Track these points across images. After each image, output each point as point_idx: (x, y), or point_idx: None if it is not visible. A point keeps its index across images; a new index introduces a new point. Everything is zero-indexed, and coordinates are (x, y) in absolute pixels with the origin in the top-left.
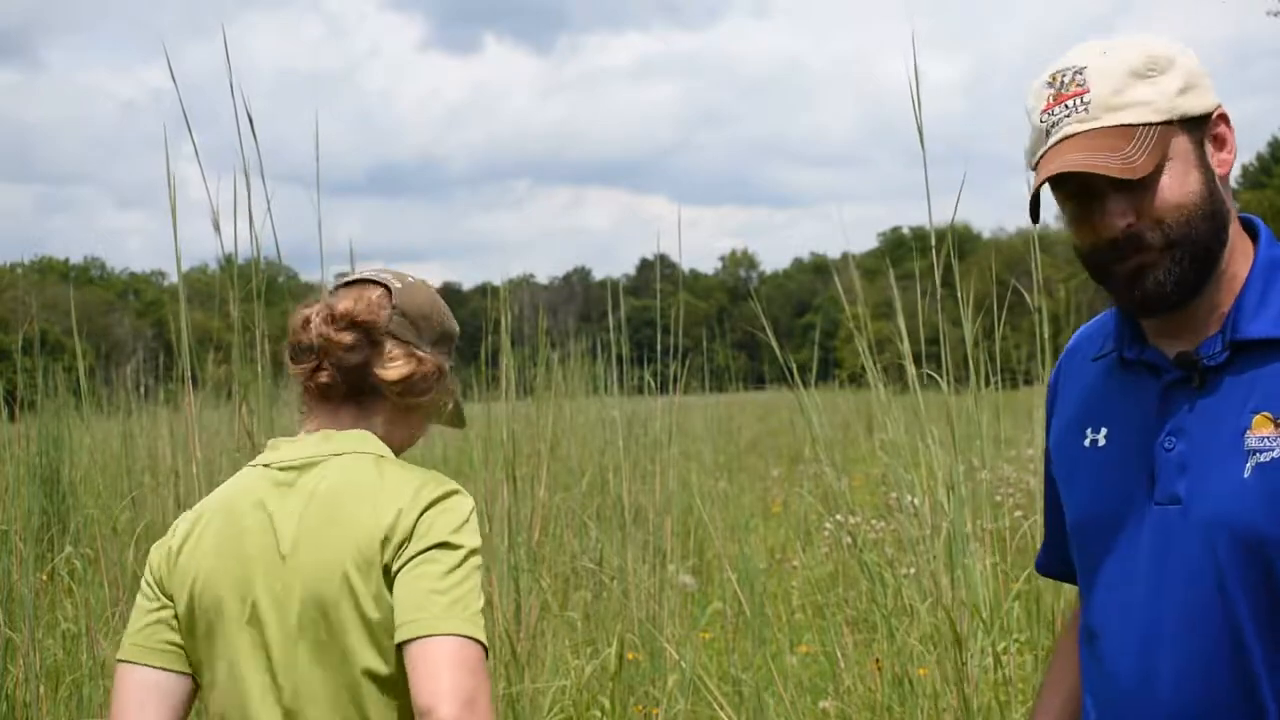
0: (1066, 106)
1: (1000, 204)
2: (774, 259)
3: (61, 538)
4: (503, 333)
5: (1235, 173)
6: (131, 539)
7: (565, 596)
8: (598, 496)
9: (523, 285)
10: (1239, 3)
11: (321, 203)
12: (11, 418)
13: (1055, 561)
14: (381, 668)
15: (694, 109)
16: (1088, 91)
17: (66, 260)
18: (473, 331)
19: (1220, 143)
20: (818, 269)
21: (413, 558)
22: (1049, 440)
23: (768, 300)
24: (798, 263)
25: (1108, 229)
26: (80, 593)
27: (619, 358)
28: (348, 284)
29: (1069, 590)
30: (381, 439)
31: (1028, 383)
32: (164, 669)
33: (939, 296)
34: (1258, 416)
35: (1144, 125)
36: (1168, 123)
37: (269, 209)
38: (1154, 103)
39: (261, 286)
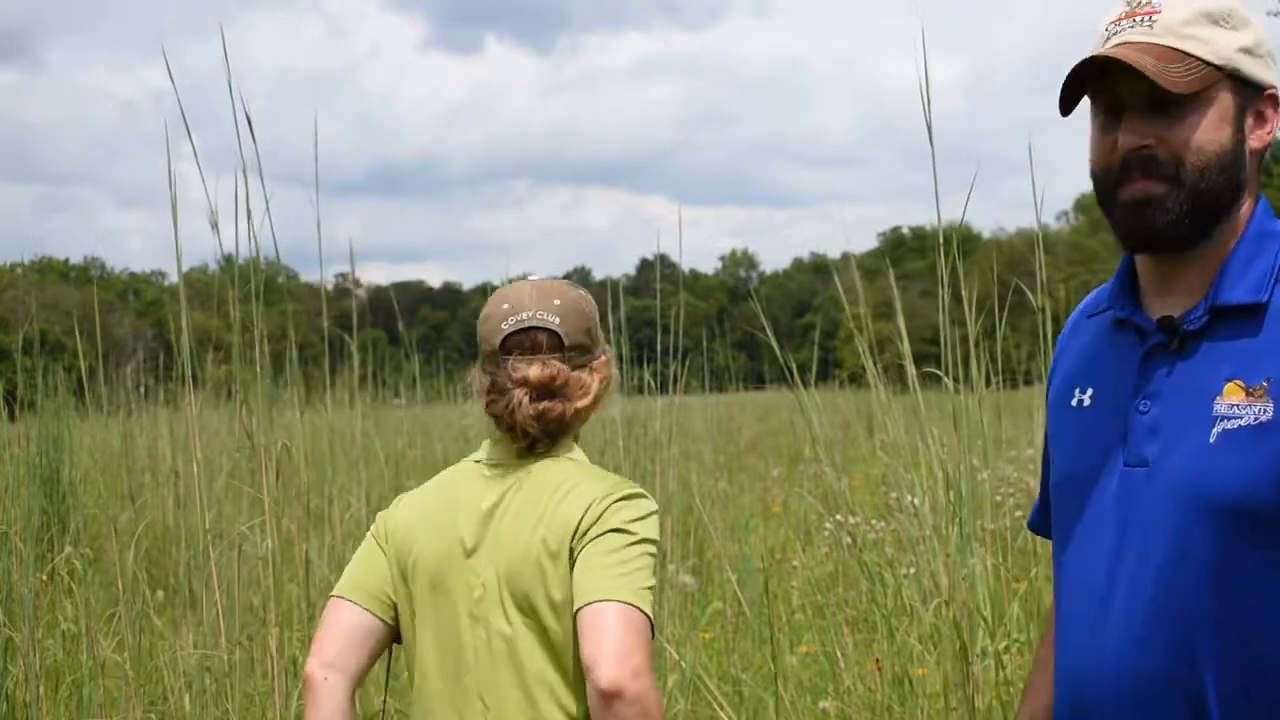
0: (1134, 21)
1: (1000, 204)
2: (774, 259)
3: (61, 538)
4: None
5: None
6: (131, 539)
7: None
8: None
9: None
10: (1238, 3)
11: (321, 203)
12: (11, 418)
13: (1046, 521)
14: (552, 640)
15: (694, 109)
16: (1159, 13)
17: (66, 260)
18: (473, 331)
19: (1261, 120)
20: (818, 269)
21: (593, 540)
22: (1048, 397)
23: (768, 300)
24: (798, 263)
25: (1127, 143)
26: (80, 593)
27: (619, 358)
28: (520, 332)
29: None
30: None
31: (1028, 383)
32: (373, 613)
33: (941, 296)
34: (1229, 384)
35: (1199, 60)
36: (1220, 69)
37: (268, 209)
38: (1216, 46)
39: (261, 286)
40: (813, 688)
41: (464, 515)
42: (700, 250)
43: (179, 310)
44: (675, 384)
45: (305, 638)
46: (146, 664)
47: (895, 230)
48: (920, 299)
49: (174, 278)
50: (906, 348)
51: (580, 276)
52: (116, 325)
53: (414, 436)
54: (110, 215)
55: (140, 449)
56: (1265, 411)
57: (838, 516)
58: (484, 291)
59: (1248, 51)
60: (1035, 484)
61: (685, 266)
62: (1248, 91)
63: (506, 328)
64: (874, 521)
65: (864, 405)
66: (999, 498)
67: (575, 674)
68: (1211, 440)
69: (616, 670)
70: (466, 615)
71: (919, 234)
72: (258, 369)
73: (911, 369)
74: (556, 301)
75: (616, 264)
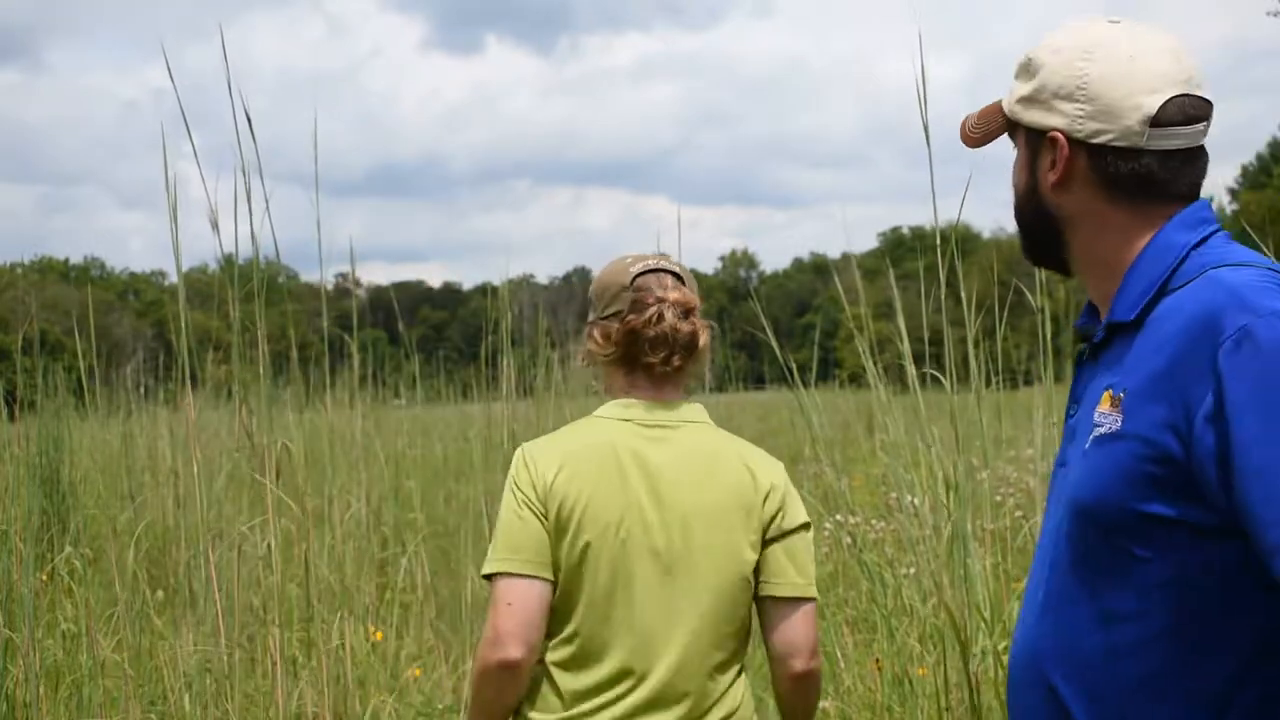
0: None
1: (1000, 204)
2: (774, 259)
3: (61, 538)
4: (503, 333)
5: (1234, 173)
6: (131, 539)
7: None
8: None
9: (523, 285)
10: (1238, 3)
11: (322, 202)
12: (11, 418)
13: None
14: (740, 592)
15: (695, 109)
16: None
17: (66, 260)
18: (473, 331)
19: (1051, 162)
20: (818, 269)
21: (790, 532)
22: None
23: (768, 300)
24: (798, 263)
25: None
26: (80, 593)
27: None
28: (652, 272)
29: None
30: None
31: (1028, 383)
32: (548, 580)
33: (941, 296)
34: (1105, 393)
35: (1001, 110)
36: (1009, 119)
37: (268, 209)
38: (1009, 97)
39: (261, 286)
40: None
41: (633, 475)
42: (700, 250)
43: (179, 310)
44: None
45: (305, 638)
46: (146, 664)
47: (895, 230)
48: (920, 299)
49: (174, 278)
50: (906, 348)
51: (581, 276)
52: (116, 325)
53: (414, 436)
54: (111, 215)
55: (140, 449)
56: (1116, 421)
57: (838, 516)
58: (484, 292)
59: (1028, 99)
60: (1035, 484)
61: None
62: (1034, 136)
63: (636, 269)
64: (874, 521)
65: (864, 405)
66: (999, 498)
67: (742, 629)
68: (1087, 446)
69: (810, 659)
70: (648, 566)
71: (919, 234)
72: (258, 369)
73: (911, 369)
74: (676, 262)
75: None
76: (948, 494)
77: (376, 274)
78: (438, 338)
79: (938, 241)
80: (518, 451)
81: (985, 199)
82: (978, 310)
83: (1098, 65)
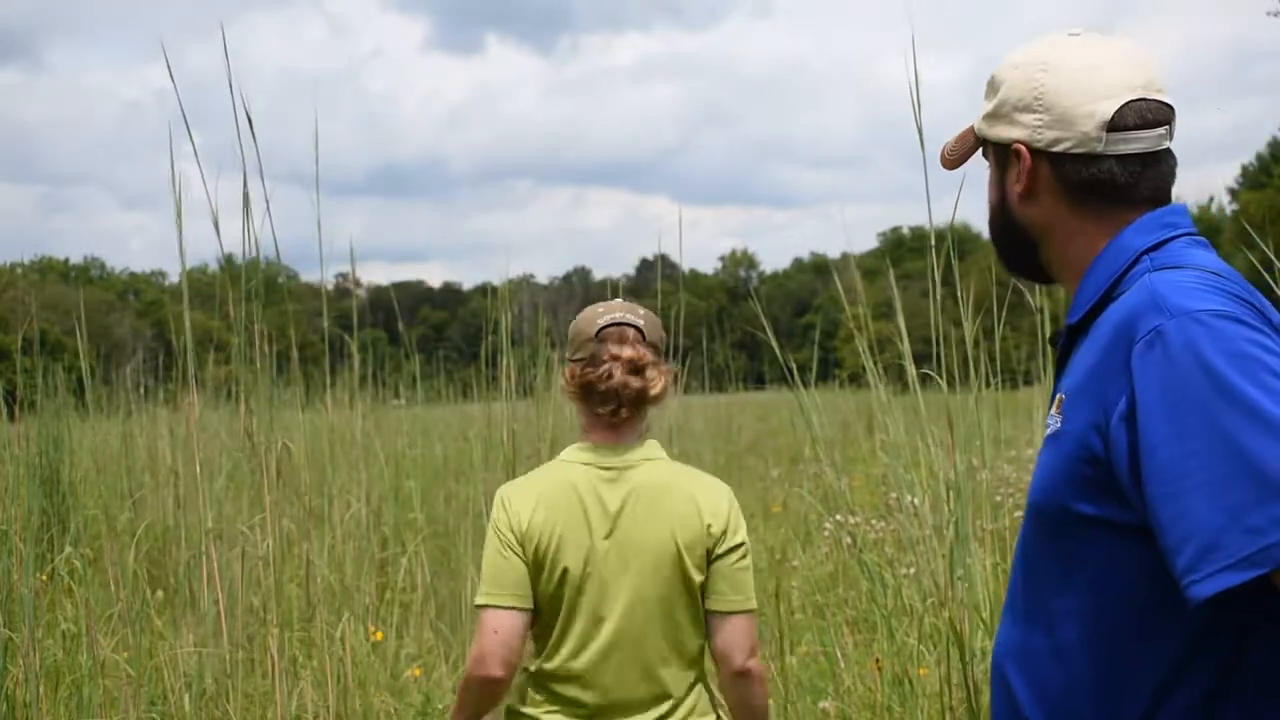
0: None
1: None
2: (774, 259)
3: (61, 538)
4: (503, 333)
5: (1234, 173)
6: (131, 539)
7: None
8: None
9: (523, 285)
10: (1239, 3)
11: (323, 203)
12: (11, 418)
13: None
14: (687, 608)
15: (695, 109)
16: None
17: (66, 260)
18: (473, 331)
19: (1016, 174)
20: (818, 269)
21: (731, 549)
22: None
23: (768, 300)
24: (798, 263)
25: None
26: (80, 593)
27: None
28: (616, 325)
29: None
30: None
31: (1028, 383)
32: (527, 610)
33: (939, 296)
34: (1057, 395)
35: (973, 131)
36: (980, 135)
37: (268, 209)
38: (977, 117)
39: (261, 286)
40: (813, 688)
41: (594, 513)
42: (701, 250)
43: (179, 310)
44: (675, 384)
45: (305, 638)
46: (146, 664)
47: (895, 230)
48: (920, 299)
49: (174, 277)
50: (906, 348)
51: (581, 277)
52: (116, 325)
53: (414, 436)
54: (111, 215)
55: (140, 449)
56: (1058, 423)
57: (838, 516)
58: (484, 292)
59: (992, 115)
60: None
61: (686, 266)
62: (1001, 151)
63: (603, 321)
64: (874, 521)
65: (864, 405)
66: (999, 498)
67: (696, 645)
68: (1041, 446)
69: (747, 660)
70: (611, 590)
71: (919, 234)
72: (258, 369)
73: (911, 369)
74: (641, 311)
75: (617, 264)
76: (948, 494)
77: (376, 274)
78: (438, 338)
79: (933, 241)
80: (498, 495)
81: (984, 199)
82: (977, 310)
83: (1053, 75)
